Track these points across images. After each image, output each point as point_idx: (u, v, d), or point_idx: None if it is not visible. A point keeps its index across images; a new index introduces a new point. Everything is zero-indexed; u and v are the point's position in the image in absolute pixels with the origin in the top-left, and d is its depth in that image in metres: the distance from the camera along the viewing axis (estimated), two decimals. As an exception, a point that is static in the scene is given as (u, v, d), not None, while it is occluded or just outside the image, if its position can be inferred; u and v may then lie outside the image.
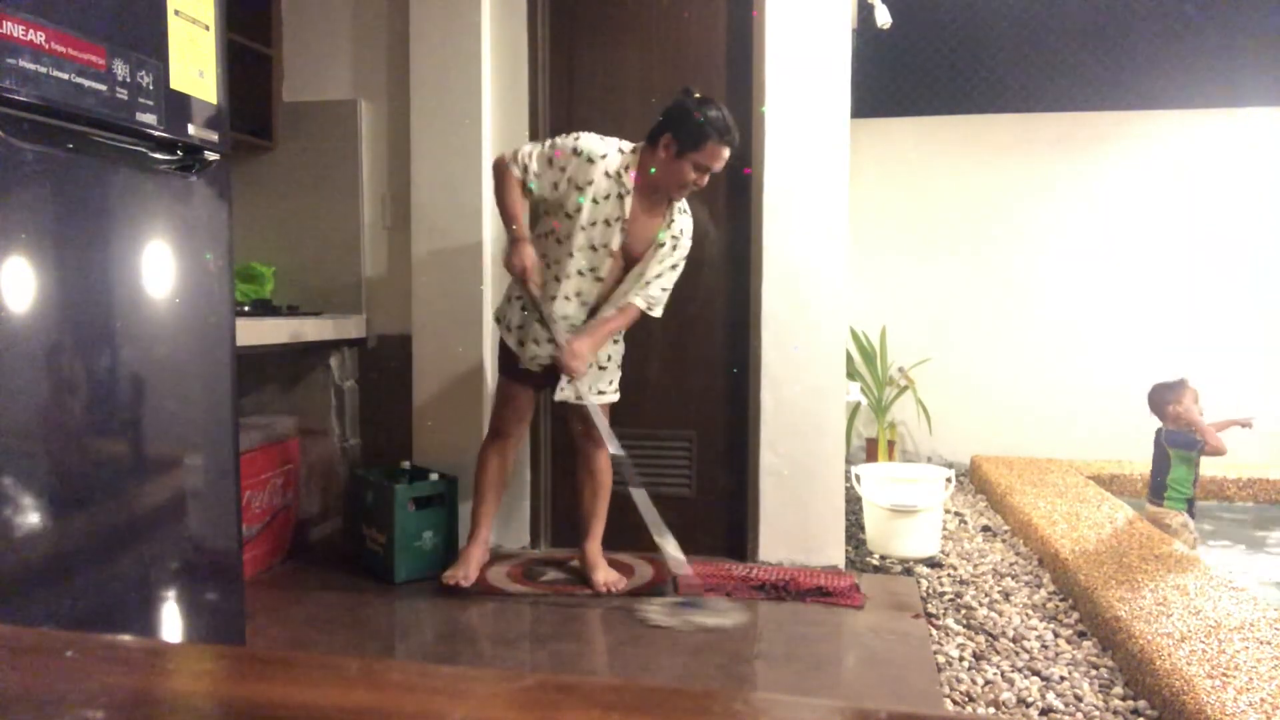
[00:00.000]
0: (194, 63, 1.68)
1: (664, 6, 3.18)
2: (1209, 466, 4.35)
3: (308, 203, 3.36)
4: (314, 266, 3.37)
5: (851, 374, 4.55)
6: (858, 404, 4.74)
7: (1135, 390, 4.83)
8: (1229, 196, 4.72)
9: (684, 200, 2.75)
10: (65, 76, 1.41)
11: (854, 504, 3.45)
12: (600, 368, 2.80)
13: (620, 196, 2.62)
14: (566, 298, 2.70)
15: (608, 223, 2.63)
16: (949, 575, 2.99)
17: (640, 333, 3.19)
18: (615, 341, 2.84)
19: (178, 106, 1.64)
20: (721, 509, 3.22)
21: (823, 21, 3.01)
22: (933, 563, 3.13)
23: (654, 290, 2.74)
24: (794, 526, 3.10)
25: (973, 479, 4.52)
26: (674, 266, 2.75)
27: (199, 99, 1.70)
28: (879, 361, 4.89)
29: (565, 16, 3.22)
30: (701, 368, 3.23)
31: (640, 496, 2.66)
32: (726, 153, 2.60)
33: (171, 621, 1.70)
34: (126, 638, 0.49)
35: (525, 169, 2.63)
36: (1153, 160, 4.77)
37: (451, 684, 0.43)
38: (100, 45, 1.47)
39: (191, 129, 1.68)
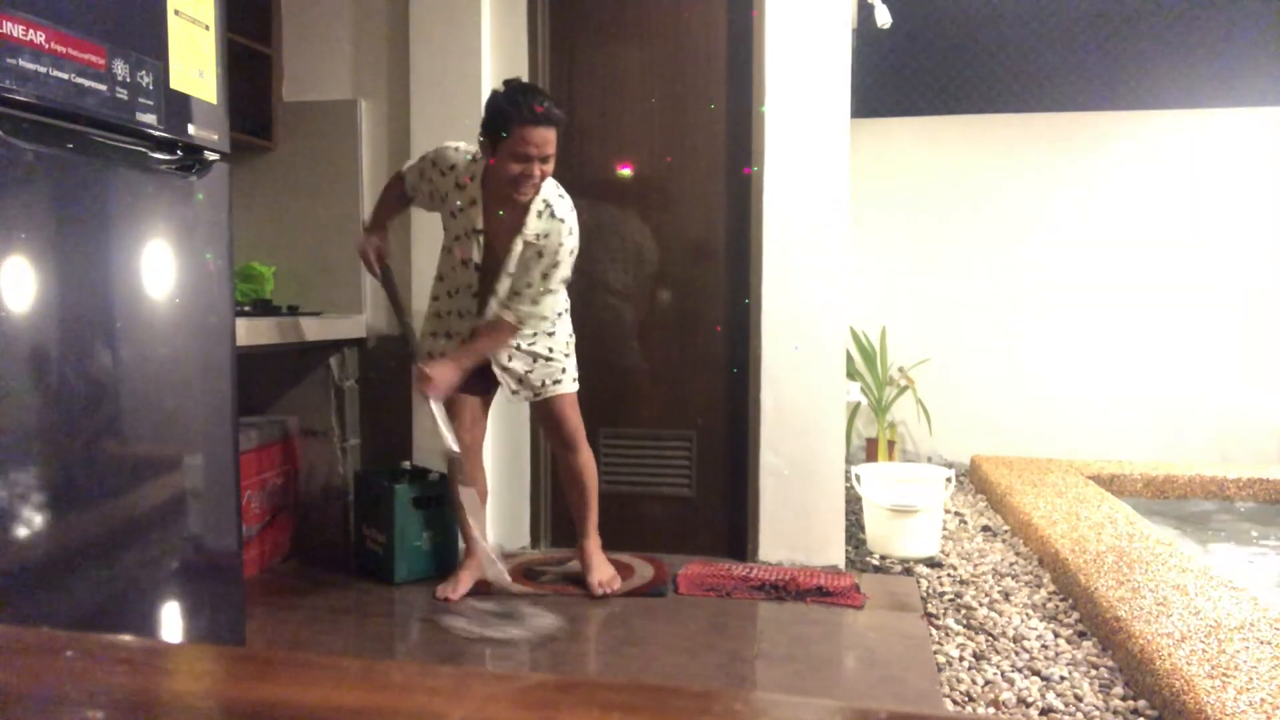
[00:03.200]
0: (194, 63, 1.68)
1: (664, 6, 3.18)
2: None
3: (308, 203, 3.35)
4: (314, 266, 3.36)
5: (851, 374, 4.55)
6: (858, 404, 4.74)
7: (1135, 390, 4.86)
8: (1229, 196, 4.72)
9: (558, 201, 2.52)
10: (65, 76, 1.41)
11: (854, 504, 3.45)
12: (546, 360, 2.69)
13: (473, 204, 2.51)
14: (460, 314, 2.66)
15: (468, 235, 2.55)
16: (949, 575, 2.99)
17: (640, 332, 3.19)
18: (549, 334, 2.68)
19: (178, 106, 1.64)
20: (721, 509, 3.22)
21: (823, 21, 3.01)
22: (933, 563, 3.13)
23: (524, 305, 2.51)
24: (794, 526, 3.10)
25: (973, 479, 4.52)
26: (544, 276, 2.50)
27: (199, 99, 1.70)
28: (879, 361, 4.89)
29: (565, 16, 3.22)
30: (701, 368, 3.23)
31: (467, 495, 2.60)
32: (539, 132, 2.33)
33: (171, 621, 1.70)
34: (126, 638, 0.49)
35: (406, 179, 2.65)
36: (1153, 160, 4.77)
37: (451, 684, 0.43)
38: (100, 45, 1.47)
39: (191, 129, 1.68)
